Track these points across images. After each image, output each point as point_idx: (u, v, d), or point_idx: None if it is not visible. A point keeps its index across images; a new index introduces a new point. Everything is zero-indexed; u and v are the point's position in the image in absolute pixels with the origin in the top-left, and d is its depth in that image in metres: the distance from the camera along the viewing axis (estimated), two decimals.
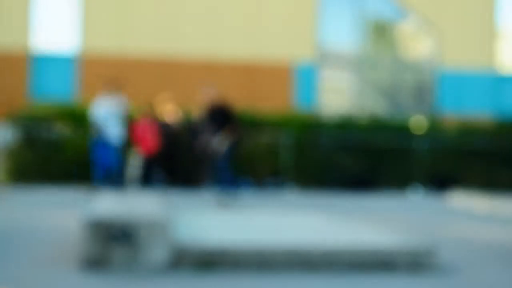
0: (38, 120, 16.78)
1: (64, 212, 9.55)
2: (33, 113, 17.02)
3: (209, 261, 4.51)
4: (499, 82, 23.46)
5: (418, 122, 19.40)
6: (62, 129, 17.06)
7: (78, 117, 16.85)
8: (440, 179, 18.08)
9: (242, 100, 21.31)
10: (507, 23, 24.24)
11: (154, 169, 16.24)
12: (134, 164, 16.25)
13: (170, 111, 15.89)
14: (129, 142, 16.43)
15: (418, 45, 24.75)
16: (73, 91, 21.24)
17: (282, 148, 17.72)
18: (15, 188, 15.58)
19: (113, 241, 4.38)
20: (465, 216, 10.36)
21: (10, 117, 17.10)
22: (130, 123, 16.35)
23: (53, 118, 17.05)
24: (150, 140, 16.11)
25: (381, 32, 24.57)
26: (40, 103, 17.95)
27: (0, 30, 21.11)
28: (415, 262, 4.69)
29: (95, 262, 4.40)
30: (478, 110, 22.45)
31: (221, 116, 10.80)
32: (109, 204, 5.75)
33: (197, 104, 14.62)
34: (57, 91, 20.75)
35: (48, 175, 16.68)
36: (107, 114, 11.30)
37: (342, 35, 23.71)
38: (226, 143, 10.21)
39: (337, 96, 24.15)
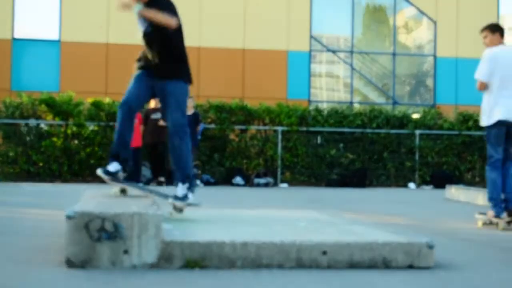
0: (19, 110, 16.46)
1: (46, 207, 9.36)
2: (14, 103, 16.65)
3: (200, 258, 4.48)
4: None
5: (415, 112, 19.03)
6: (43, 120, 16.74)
7: (58, 107, 16.54)
8: (439, 173, 17.72)
9: (235, 90, 20.90)
10: (506, 11, 23.90)
11: (140, 162, 15.84)
12: None
13: (158, 104, 15.40)
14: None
15: (415, 33, 24.44)
16: (56, 80, 20.89)
17: (274, 142, 17.31)
18: None
19: (99, 238, 4.36)
20: (464, 211, 10.24)
21: None
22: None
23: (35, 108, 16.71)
24: (135, 133, 15.68)
25: (377, 20, 24.25)
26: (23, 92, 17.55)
27: None
28: (411, 258, 4.70)
29: (81, 260, 4.35)
30: (477, 100, 22.11)
31: None
32: (95, 200, 5.71)
33: None
34: (40, 81, 20.34)
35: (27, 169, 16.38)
36: None
37: (337, 23, 23.41)
38: None
39: (332, 86, 23.85)
